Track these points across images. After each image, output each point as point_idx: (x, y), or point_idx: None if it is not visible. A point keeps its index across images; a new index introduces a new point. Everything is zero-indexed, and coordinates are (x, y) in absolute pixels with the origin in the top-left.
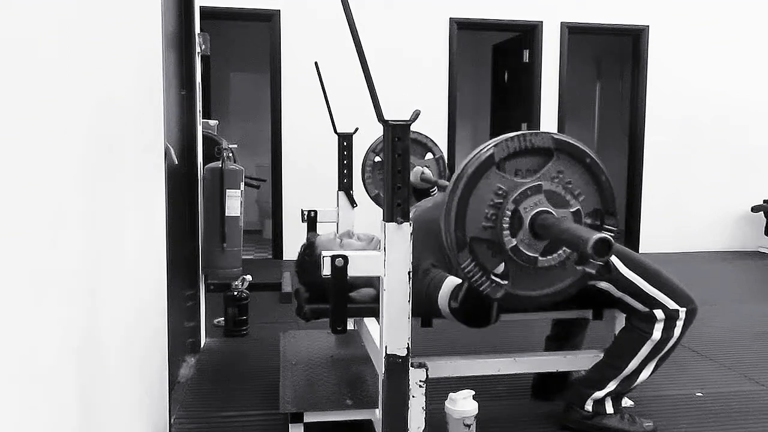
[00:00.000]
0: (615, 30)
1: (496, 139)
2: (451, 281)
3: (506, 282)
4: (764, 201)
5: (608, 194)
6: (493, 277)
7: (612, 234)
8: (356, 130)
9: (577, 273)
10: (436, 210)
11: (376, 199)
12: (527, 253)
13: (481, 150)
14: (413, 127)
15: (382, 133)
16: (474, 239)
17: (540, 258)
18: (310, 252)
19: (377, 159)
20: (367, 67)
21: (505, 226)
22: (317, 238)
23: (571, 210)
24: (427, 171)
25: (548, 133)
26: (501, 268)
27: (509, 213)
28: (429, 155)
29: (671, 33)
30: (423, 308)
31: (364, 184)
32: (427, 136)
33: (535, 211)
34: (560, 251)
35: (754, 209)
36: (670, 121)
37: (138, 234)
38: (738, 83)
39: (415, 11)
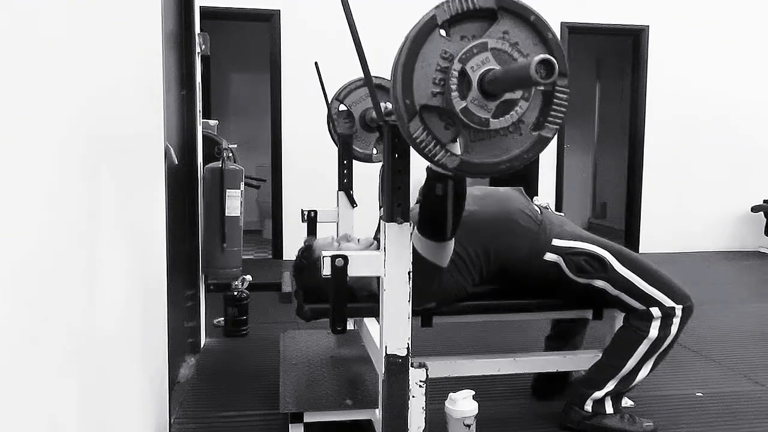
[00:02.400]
0: (615, 30)
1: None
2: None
3: (461, 152)
4: (764, 201)
5: (558, 53)
6: (448, 148)
7: (564, 94)
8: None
9: (533, 138)
10: None
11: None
12: (478, 114)
13: (423, 15)
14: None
15: (345, 82)
16: (424, 107)
17: (492, 119)
18: (307, 255)
19: (342, 108)
20: (366, 67)
21: (454, 87)
22: (315, 241)
23: None
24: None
25: None
26: (458, 150)
27: (456, 73)
28: None
29: (671, 33)
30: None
31: (330, 134)
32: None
33: (483, 69)
34: (513, 111)
35: (754, 209)
36: (670, 121)
37: (138, 234)
38: (738, 83)
39: (415, 11)
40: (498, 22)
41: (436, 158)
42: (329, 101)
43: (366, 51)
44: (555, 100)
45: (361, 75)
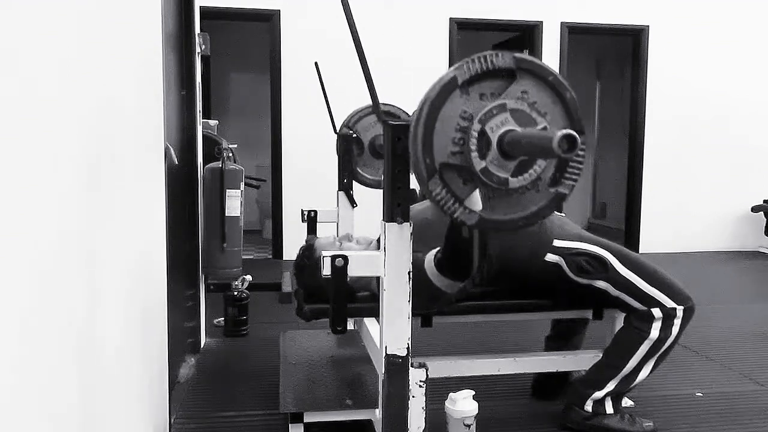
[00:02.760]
0: (615, 30)
1: (458, 63)
2: (435, 249)
3: (479, 208)
4: (764, 201)
5: (575, 112)
6: (468, 205)
7: (582, 152)
8: (356, 130)
9: (550, 194)
10: (430, 210)
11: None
12: (498, 174)
13: (444, 75)
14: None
15: (354, 109)
16: (443, 165)
17: (511, 179)
18: (308, 254)
19: (352, 134)
20: (367, 67)
21: (473, 147)
22: (316, 240)
23: (539, 128)
24: None
25: (510, 52)
26: (478, 203)
27: (476, 134)
28: None
29: (671, 33)
30: (414, 288)
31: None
32: (400, 108)
33: (503, 129)
34: (531, 170)
35: (754, 209)
36: (670, 121)
37: (138, 234)
38: (738, 83)
39: (415, 11)
40: (517, 81)
41: (455, 215)
42: (338, 128)
43: (366, 50)
44: (573, 158)
45: (369, 102)
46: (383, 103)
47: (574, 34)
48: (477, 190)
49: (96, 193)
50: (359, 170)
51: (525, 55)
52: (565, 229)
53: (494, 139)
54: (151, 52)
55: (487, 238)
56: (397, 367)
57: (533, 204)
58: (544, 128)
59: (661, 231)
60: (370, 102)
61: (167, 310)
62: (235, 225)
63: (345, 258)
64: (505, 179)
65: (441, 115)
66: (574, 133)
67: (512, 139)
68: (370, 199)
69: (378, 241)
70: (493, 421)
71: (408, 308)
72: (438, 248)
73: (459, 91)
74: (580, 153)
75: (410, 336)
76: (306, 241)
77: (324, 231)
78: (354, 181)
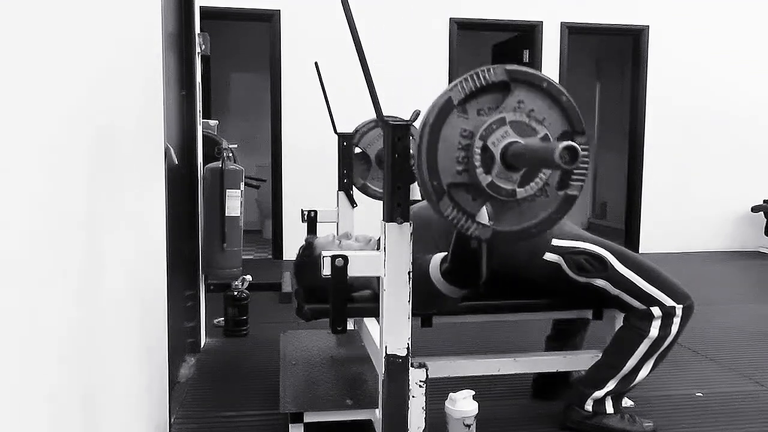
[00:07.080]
0: (615, 30)
1: (452, 83)
2: (440, 255)
3: (491, 222)
4: (764, 201)
5: (573, 114)
6: (479, 220)
7: (585, 151)
8: (356, 130)
9: (559, 198)
10: (428, 210)
11: (363, 188)
12: (505, 186)
13: (438, 98)
14: None
15: (359, 124)
16: (451, 185)
17: (518, 189)
18: (308, 253)
19: (357, 150)
20: (367, 67)
21: (477, 164)
22: (315, 239)
23: (539, 136)
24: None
25: (500, 65)
26: (485, 214)
27: (479, 150)
28: None
29: (671, 33)
30: (417, 291)
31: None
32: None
33: (504, 142)
34: (537, 179)
35: (754, 209)
36: (670, 121)
37: (138, 234)
38: (738, 83)
39: (415, 11)
40: (512, 93)
41: (469, 232)
42: (349, 146)
43: (366, 50)
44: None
45: (371, 116)
46: (390, 116)
47: (574, 34)
48: (484, 207)
49: (96, 193)
50: (369, 184)
51: (516, 66)
52: (564, 229)
53: (497, 153)
54: (151, 53)
55: (494, 247)
56: (397, 367)
57: (543, 210)
58: (545, 136)
59: (661, 231)
60: (372, 115)
61: (167, 310)
62: (235, 225)
63: (345, 258)
64: (512, 191)
65: (442, 136)
66: (575, 145)
67: (515, 152)
68: (370, 199)
69: (378, 239)
70: (493, 421)
71: (408, 308)
72: (444, 254)
73: (456, 111)
74: (584, 153)
75: (410, 336)
76: (305, 240)
77: (324, 231)
78: (366, 195)
